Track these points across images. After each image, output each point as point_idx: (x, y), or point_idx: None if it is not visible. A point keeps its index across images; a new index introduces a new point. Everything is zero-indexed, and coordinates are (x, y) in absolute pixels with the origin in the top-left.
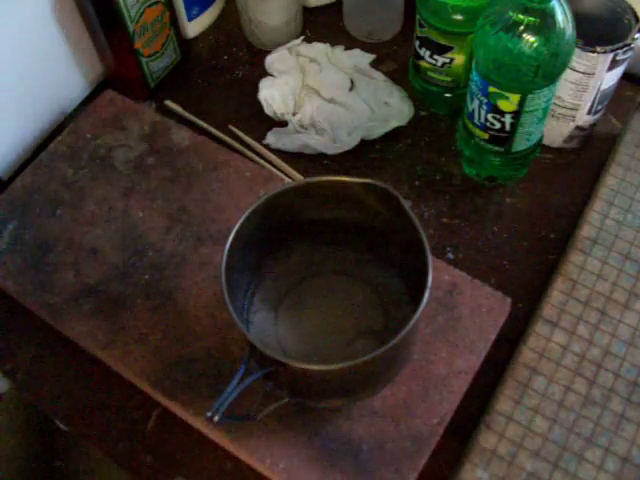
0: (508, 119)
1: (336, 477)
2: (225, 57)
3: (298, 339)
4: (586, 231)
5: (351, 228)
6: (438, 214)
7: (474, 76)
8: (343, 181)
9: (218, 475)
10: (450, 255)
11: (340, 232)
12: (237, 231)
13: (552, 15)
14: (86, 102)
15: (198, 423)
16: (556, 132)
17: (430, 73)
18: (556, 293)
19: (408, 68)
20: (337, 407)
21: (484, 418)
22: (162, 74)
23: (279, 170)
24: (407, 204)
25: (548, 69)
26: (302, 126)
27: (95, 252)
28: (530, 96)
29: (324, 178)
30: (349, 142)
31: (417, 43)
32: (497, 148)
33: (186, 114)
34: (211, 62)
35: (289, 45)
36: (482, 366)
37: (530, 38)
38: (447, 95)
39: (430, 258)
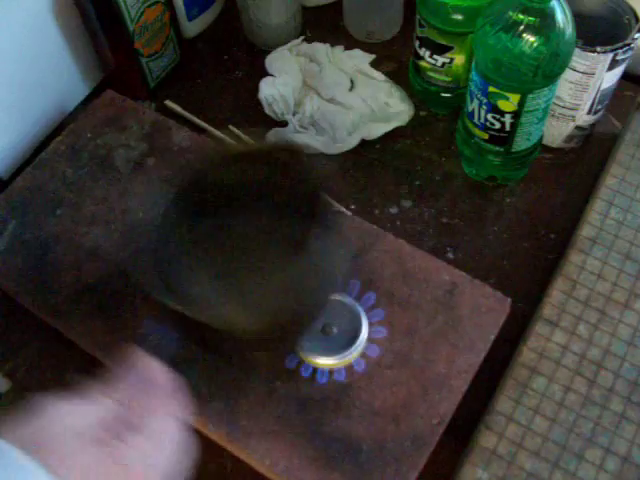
0: (508, 119)
1: (336, 477)
2: (225, 57)
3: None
4: (586, 231)
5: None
6: (438, 214)
7: (474, 76)
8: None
9: (218, 475)
10: (450, 255)
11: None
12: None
13: (552, 15)
14: (86, 102)
15: (197, 423)
16: (556, 132)
17: (430, 73)
18: (556, 293)
19: (408, 68)
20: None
21: (484, 418)
22: (162, 74)
23: None
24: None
25: (548, 69)
26: (302, 126)
27: (95, 252)
28: (530, 96)
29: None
30: (349, 142)
31: (417, 43)
32: (497, 148)
33: (186, 114)
34: (211, 62)
35: (289, 45)
36: (482, 366)
37: (530, 38)
38: (447, 95)
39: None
